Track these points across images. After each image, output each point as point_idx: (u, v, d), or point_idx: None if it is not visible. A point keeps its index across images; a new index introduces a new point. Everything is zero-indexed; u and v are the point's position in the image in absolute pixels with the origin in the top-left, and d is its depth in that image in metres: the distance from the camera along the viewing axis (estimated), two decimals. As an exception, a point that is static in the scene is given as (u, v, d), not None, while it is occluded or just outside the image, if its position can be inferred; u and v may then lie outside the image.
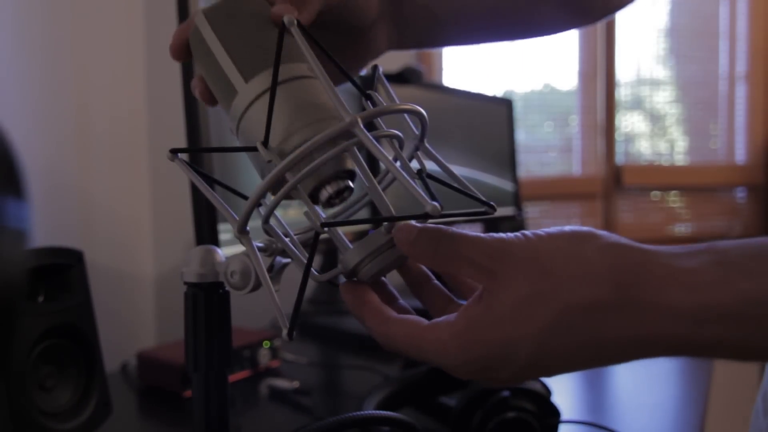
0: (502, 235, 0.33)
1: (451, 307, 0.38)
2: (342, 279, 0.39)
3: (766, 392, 0.57)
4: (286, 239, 0.39)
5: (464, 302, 0.38)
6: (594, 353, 0.31)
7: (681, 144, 2.23)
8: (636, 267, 0.30)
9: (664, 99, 2.20)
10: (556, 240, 0.32)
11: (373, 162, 0.81)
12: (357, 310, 0.36)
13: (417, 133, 0.40)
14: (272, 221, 0.38)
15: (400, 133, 0.40)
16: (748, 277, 0.28)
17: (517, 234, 0.33)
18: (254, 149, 0.37)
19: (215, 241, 0.68)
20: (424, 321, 0.34)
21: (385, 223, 0.36)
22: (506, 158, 1.33)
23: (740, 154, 2.17)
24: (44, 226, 0.97)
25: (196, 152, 0.65)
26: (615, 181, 2.06)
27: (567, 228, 0.33)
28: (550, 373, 0.33)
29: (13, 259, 0.24)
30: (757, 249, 0.29)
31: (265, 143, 0.36)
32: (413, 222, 0.35)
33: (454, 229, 0.34)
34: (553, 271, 0.31)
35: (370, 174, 0.34)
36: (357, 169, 0.36)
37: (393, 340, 0.35)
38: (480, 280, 0.33)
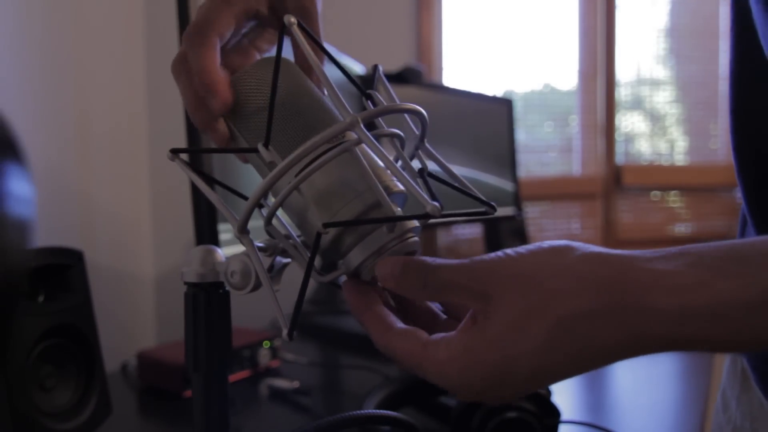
0: (485, 256, 0.34)
1: (437, 324, 0.38)
2: (344, 279, 0.39)
3: (723, 390, 0.59)
4: (288, 240, 0.39)
5: (442, 314, 0.39)
6: (588, 359, 0.32)
7: (681, 144, 2.23)
8: (618, 274, 0.31)
9: (664, 99, 2.20)
10: (538, 255, 0.33)
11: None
12: (360, 315, 0.36)
13: (417, 132, 0.40)
14: (274, 222, 0.38)
15: (401, 132, 0.40)
16: (724, 279, 0.29)
17: (498, 254, 0.34)
18: (255, 150, 0.37)
19: (215, 241, 0.68)
20: (424, 336, 0.34)
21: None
22: (506, 158, 1.33)
23: (740, 154, 2.17)
24: (44, 226, 0.97)
25: (196, 152, 0.65)
26: (615, 181, 2.06)
27: (545, 243, 0.34)
28: (549, 384, 0.33)
29: (14, 250, 0.23)
30: (730, 251, 0.30)
31: (266, 144, 0.36)
32: (392, 258, 0.35)
33: (436, 259, 0.35)
34: (541, 286, 0.32)
35: (371, 174, 0.34)
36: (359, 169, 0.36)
37: (393, 352, 0.35)
38: (472, 304, 0.33)
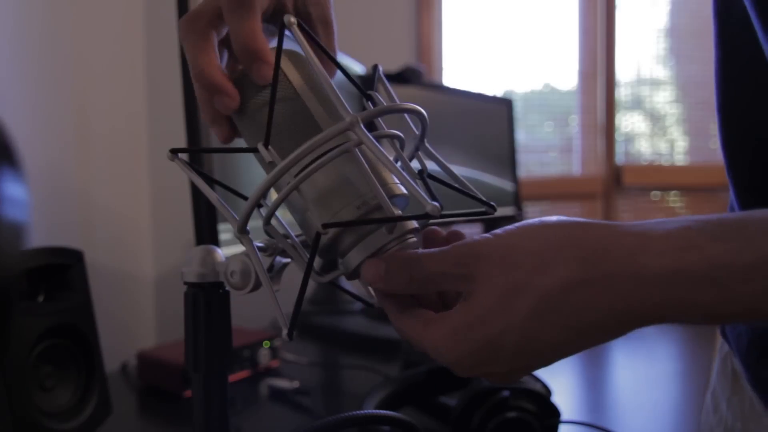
0: (465, 240, 0.34)
1: (451, 297, 0.39)
2: (343, 279, 0.39)
3: (713, 390, 0.59)
4: (287, 240, 0.39)
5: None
6: (578, 333, 0.31)
7: (681, 144, 2.23)
8: (602, 241, 0.31)
9: (664, 99, 2.20)
10: (524, 231, 0.33)
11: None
12: (381, 301, 0.37)
13: (417, 133, 0.40)
14: (273, 222, 0.38)
15: (400, 134, 0.40)
16: (715, 242, 0.29)
17: (487, 234, 0.34)
18: (255, 150, 0.37)
19: (215, 241, 0.68)
20: (428, 315, 0.35)
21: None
22: (506, 158, 1.33)
23: (740, 154, 2.17)
24: (44, 226, 0.97)
25: (196, 152, 0.65)
26: (615, 181, 2.06)
27: (535, 219, 0.34)
28: (544, 362, 0.34)
29: (9, 252, 0.24)
30: (724, 218, 0.30)
31: (266, 144, 0.36)
32: (376, 259, 0.35)
33: (419, 250, 0.35)
34: (525, 261, 0.32)
35: (372, 175, 0.34)
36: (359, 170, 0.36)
37: (401, 331, 0.36)
38: (460, 287, 0.34)
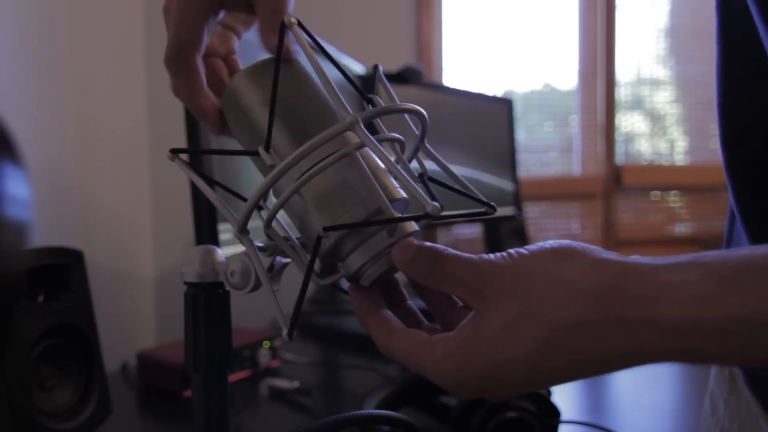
0: (490, 256, 0.34)
1: (453, 311, 0.39)
2: (344, 281, 0.39)
3: (711, 392, 0.59)
4: (288, 243, 0.39)
5: (462, 304, 0.39)
6: (585, 367, 0.31)
7: (681, 144, 2.23)
8: (619, 282, 0.30)
9: (664, 99, 2.20)
10: (538, 258, 0.33)
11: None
12: (362, 316, 0.37)
13: (417, 133, 0.40)
14: (274, 224, 0.38)
15: (401, 137, 0.40)
16: (734, 292, 0.28)
17: (503, 254, 0.34)
18: (255, 153, 0.37)
19: (215, 241, 0.68)
20: (424, 337, 0.35)
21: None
22: (506, 158, 1.33)
23: (740, 154, 2.17)
24: (44, 226, 0.97)
25: (196, 153, 0.65)
26: (615, 181, 2.06)
27: (548, 244, 0.33)
28: (544, 387, 0.34)
29: (11, 251, 0.23)
30: (742, 262, 0.29)
31: (267, 147, 0.36)
32: (410, 239, 0.36)
33: (449, 249, 0.35)
34: (538, 292, 0.31)
35: (372, 179, 0.34)
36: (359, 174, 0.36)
37: (393, 352, 0.35)
38: (471, 301, 0.33)
